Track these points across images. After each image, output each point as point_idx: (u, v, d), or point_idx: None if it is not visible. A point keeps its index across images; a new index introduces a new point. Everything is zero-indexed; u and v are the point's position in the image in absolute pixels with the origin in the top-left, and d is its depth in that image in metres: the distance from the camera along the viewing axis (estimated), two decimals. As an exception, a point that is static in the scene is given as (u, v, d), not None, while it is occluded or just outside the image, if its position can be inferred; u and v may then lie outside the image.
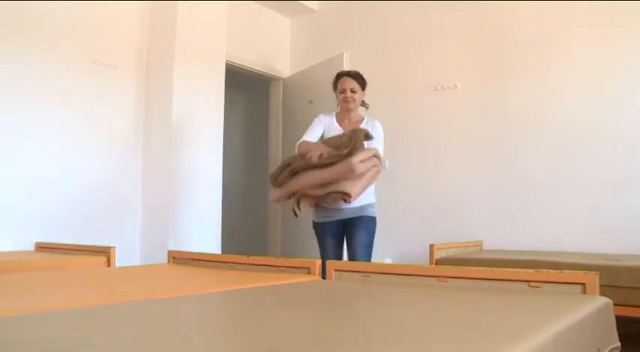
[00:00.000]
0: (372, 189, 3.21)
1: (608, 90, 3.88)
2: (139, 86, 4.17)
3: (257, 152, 6.44)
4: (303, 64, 5.35)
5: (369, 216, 3.20)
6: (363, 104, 3.38)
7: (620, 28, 3.87)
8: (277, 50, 5.55)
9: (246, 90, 6.70)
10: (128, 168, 4.07)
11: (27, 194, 3.49)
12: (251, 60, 5.14)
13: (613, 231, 3.76)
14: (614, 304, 1.42)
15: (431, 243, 3.43)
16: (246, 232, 6.60)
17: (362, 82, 3.26)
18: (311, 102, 5.00)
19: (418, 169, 4.62)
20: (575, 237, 3.88)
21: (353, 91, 3.20)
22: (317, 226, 3.31)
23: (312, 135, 3.23)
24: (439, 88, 4.61)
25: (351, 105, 3.21)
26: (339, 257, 3.25)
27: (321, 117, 3.32)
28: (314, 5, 5.51)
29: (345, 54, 4.63)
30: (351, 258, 3.11)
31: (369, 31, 5.12)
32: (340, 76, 3.29)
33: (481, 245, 4.13)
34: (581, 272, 1.46)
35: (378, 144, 3.12)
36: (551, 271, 1.49)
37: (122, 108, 4.07)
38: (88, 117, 3.85)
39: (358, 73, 3.27)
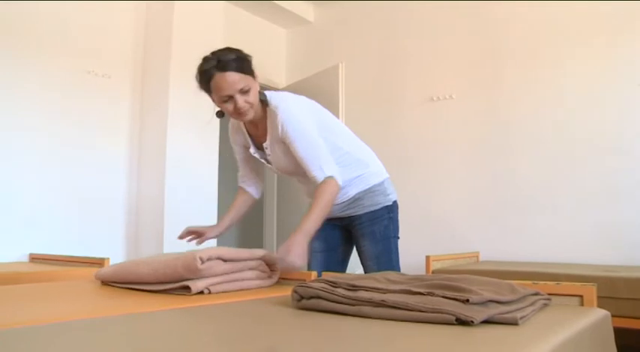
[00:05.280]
0: (359, 159, 2.24)
1: (606, 101, 3.89)
2: (135, 97, 4.16)
3: (253, 163, 6.42)
4: (298, 75, 5.36)
5: (375, 210, 2.22)
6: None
7: (613, 38, 3.89)
8: (273, 61, 5.55)
9: (242, 102, 6.68)
10: (123, 179, 4.05)
11: (21, 205, 3.47)
12: (247, 71, 5.13)
13: (611, 242, 3.75)
14: (613, 315, 1.40)
15: (427, 255, 3.41)
16: (242, 245, 6.57)
17: (249, 68, 2.01)
18: (306, 113, 4.99)
19: (414, 180, 4.61)
20: (574, 248, 3.87)
21: (244, 92, 1.98)
22: None
23: (243, 171, 2.42)
24: (435, 98, 4.62)
25: (250, 116, 2.05)
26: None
27: (233, 135, 2.33)
28: (310, 16, 5.52)
29: (340, 65, 4.63)
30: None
31: (364, 43, 5.13)
32: (208, 72, 1.95)
33: (477, 256, 4.12)
34: (578, 284, 1.44)
35: (298, 146, 2.02)
36: (548, 283, 1.47)
37: (117, 119, 4.06)
38: (83, 127, 3.84)
39: (238, 56, 1.99)
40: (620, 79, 3.84)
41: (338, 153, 2.14)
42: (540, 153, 4.10)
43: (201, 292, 1.65)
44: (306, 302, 1.32)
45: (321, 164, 2.01)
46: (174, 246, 3.87)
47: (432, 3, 4.73)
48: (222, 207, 4.74)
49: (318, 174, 2.01)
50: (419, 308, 1.13)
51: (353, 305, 1.23)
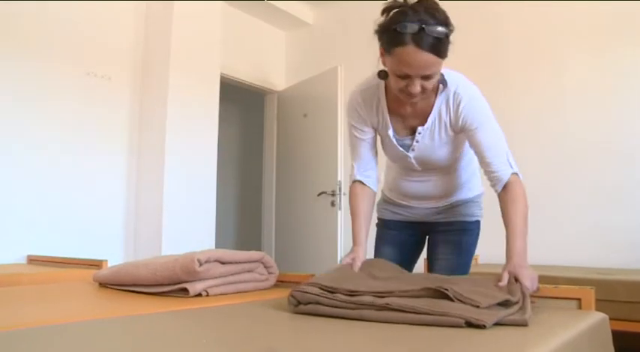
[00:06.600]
0: (472, 170, 2.00)
1: (606, 101, 3.88)
2: (134, 98, 4.16)
3: (251, 165, 6.43)
4: (297, 77, 5.35)
5: (469, 221, 2.06)
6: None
7: (613, 38, 3.88)
8: (272, 63, 5.55)
9: (241, 103, 6.70)
10: (122, 180, 4.05)
11: (19, 206, 3.46)
12: (246, 73, 5.14)
13: (610, 244, 3.74)
14: (611, 319, 1.40)
15: (425, 257, 3.40)
16: (240, 246, 6.57)
17: (447, 51, 1.64)
18: (305, 115, 5.00)
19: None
20: (572, 249, 3.86)
21: (427, 78, 1.62)
22: (378, 227, 2.18)
23: (364, 161, 1.90)
24: (434, 100, 4.60)
25: (417, 99, 1.71)
26: None
27: (362, 111, 1.87)
28: (309, 19, 5.52)
29: (339, 67, 4.64)
30: None
31: (363, 45, 5.12)
32: (401, 36, 1.54)
33: (476, 259, 4.11)
34: (576, 287, 1.44)
35: (485, 135, 1.78)
36: (546, 286, 1.47)
37: (117, 121, 4.05)
38: (82, 128, 3.83)
39: (446, 36, 1.62)
40: (620, 79, 3.84)
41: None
42: (540, 154, 4.09)
43: (200, 294, 1.65)
44: (303, 307, 1.31)
45: (508, 157, 1.78)
46: (173, 248, 3.87)
47: (432, 5, 4.72)
48: (222, 208, 4.74)
49: (504, 169, 1.76)
50: (425, 310, 1.12)
51: (353, 309, 1.22)
